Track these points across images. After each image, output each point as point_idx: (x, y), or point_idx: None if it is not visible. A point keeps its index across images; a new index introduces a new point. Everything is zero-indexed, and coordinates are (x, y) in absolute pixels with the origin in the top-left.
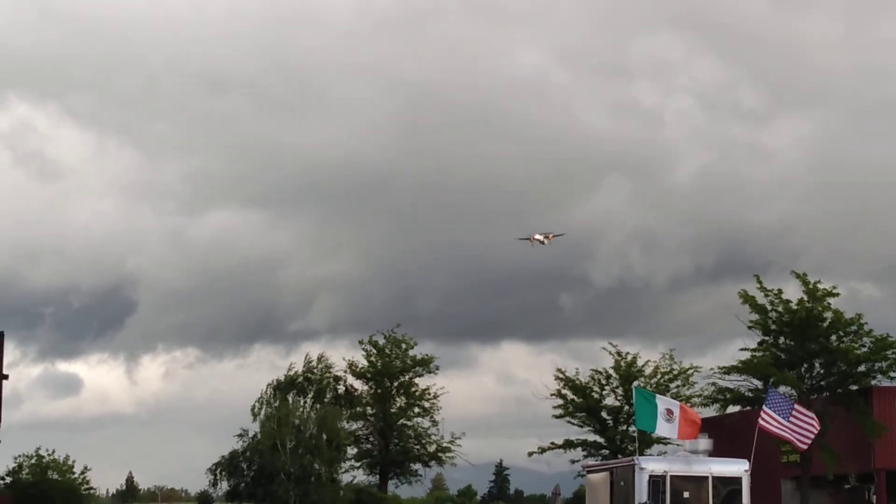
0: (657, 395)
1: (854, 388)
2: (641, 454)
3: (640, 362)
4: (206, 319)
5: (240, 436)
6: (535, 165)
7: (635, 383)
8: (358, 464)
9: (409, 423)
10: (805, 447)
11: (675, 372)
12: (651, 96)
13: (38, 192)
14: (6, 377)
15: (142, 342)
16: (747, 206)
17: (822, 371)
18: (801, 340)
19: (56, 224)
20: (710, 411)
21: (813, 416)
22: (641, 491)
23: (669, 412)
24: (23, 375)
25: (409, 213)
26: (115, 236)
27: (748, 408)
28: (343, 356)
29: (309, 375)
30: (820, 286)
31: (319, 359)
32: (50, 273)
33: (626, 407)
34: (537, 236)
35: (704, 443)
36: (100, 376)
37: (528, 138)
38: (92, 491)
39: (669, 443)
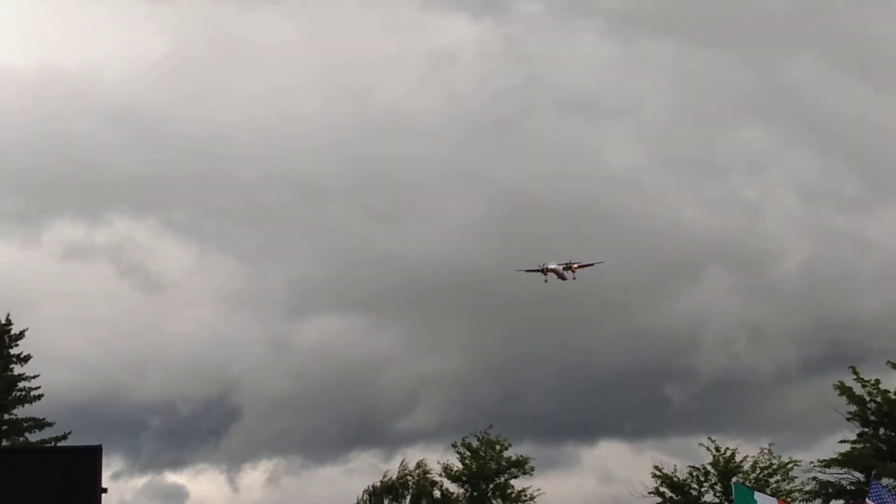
0: (756, 492)
1: None
2: None
3: (738, 457)
4: (309, 425)
5: None
6: (635, 261)
7: (734, 479)
8: None
9: None
10: None
11: (775, 466)
12: (748, 189)
13: (142, 303)
14: (105, 490)
15: (245, 450)
16: (851, 296)
17: None
18: None
19: (160, 334)
20: None
21: None
22: None
23: None
24: (128, 487)
25: (509, 313)
26: (218, 345)
27: (850, 502)
28: (438, 460)
29: (404, 481)
30: None
31: (419, 464)
32: (155, 384)
33: None
34: (552, 266)
35: None
36: (204, 485)
37: (626, 234)
38: None
39: None
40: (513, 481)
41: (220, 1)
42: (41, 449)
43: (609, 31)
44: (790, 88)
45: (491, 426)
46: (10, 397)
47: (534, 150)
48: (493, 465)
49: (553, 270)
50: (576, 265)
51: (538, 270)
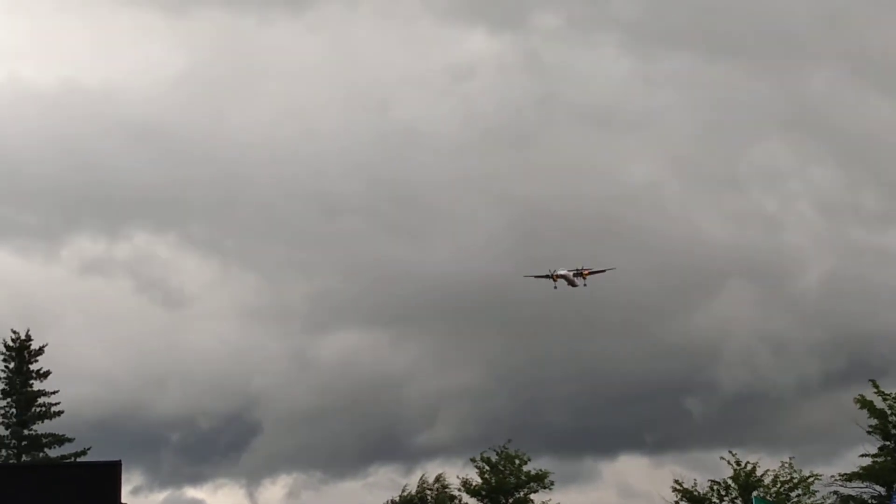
0: None
1: None
2: None
3: (759, 471)
4: (329, 440)
5: None
6: (655, 275)
7: (755, 493)
8: None
9: None
10: None
11: (796, 480)
12: (768, 202)
13: (162, 318)
14: None
15: (265, 465)
16: (872, 309)
17: None
18: None
19: (180, 349)
20: None
21: None
22: None
23: None
24: (148, 502)
25: (529, 328)
26: (238, 360)
27: None
28: (457, 474)
29: (423, 495)
30: None
31: (437, 478)
32: (175, 399)
33: None
34: (562, 272)
35: None
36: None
37: (646, 248)
38: None
39: None
40: (532, 496)
41: (240, 17)
42: (61, 465)
43: (628, 45)
44: (811, 102)
45: (510, 440)
46: (29, 413)
47: (553, 164)
48: (513, 480)
49: (563, 276)
50: (587, 271)
51: (547, 276)
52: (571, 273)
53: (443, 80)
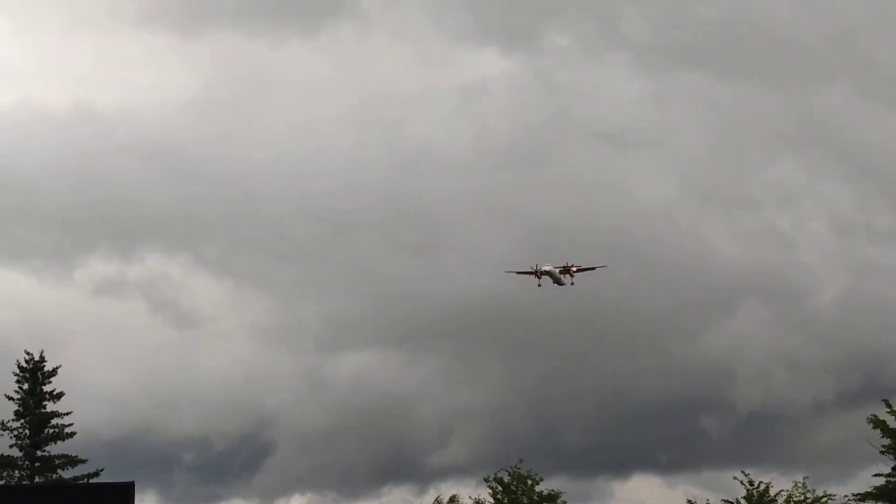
0: None
1: None
2: None
3: (773, 491)
4: (342, 460)
5: None
6: (668, 293)
7: None
8: None
9: None
10: None
11: (810, 500)
12: (781, 221)
13: (175, 339)
14: None
15: (279, 485)
16: (885, 328)
17: None
18: None
19: (193, 370)
20: None
21: None
22: None
23: None
24: None
25: (543, 346)
26: (251, 380)
27: None
28: (470, 494)
29: None
30: None
31: (452, 499)
32: (188, 419)
33: None
34: (546, 268)
35: None
36: None
37: (659, 267)
38: None
39: None
40: None
41: (252, 38)
42: (74, 486)
43: (639, 64)
44: (823, 120)
45: (522, 460)
46: (43, 434)
47: (565, 182)
48: (525, 500)
49: (548, 273)
50: (574, 268)
51: (531, 273)
52: (558, 270)
53: (455, 100)
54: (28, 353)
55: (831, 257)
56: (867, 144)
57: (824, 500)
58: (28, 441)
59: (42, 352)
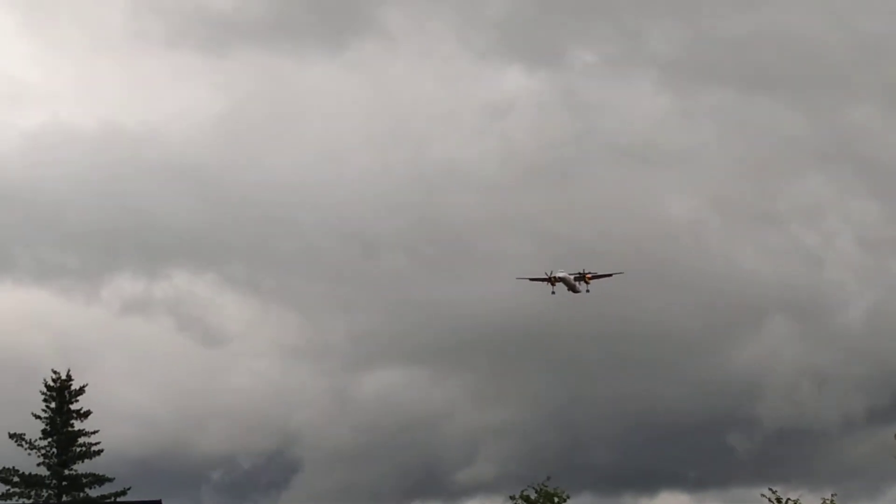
0: None
1: None
2: None
3: None
4: (370, 477)
5: None
6: (696, 310)
7: None
8: None
9: None
10: None
11: None
12: (809, 237)
13: (202, 357)
14: None
15: (306, 502)
16: None
17: None
18: None
19: (220, 388)
20: None
21: None
22: None
23: None
24: None
25: (569, 363)
26: (278, 398)
27: None
28: None
29: None
30: None
31: None
32: (216, 437)
33: None
34: (560, 274)
35: None
36: None
37: (686, 283)
38: None
39: None
40: None
41: (278, 57)
42: None
43: (664, 81)
44: (850, 135)
45: (549, 477)
46: (70, 453)
47: (592, 200)
48: None
49: (562, 279)
50: (589, 275)
51: (545, 279)
52: (572, 276)
53: (480, 118)
54: (55, 372)
55: (859, 273)
56: (894, 160)
57: None
58: (56, 459)
59: (69, 370)
